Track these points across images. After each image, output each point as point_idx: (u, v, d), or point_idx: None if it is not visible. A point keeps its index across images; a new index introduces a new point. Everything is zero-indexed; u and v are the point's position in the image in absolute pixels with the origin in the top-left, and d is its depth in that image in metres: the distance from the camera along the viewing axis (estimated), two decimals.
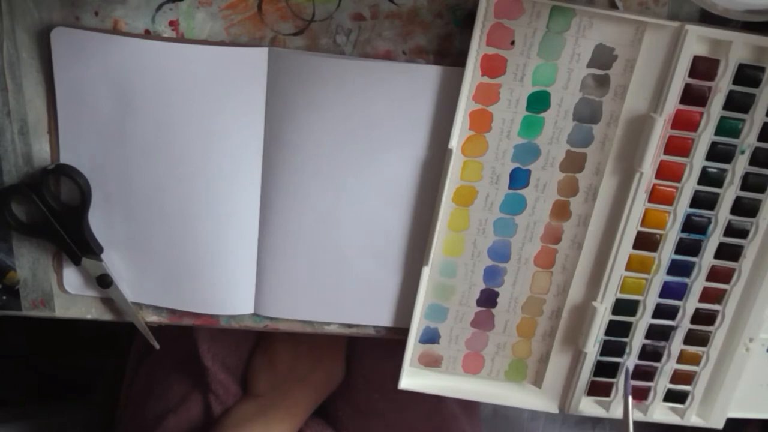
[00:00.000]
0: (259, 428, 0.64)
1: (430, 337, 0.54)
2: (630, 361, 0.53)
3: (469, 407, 0.75)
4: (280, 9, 0.45)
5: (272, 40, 0.45)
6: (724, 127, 0.47)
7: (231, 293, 0.52)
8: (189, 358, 0.66)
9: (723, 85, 0.46)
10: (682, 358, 0.54)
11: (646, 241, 0.50)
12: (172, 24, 0.45)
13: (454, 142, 0.47)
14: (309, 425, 0.69)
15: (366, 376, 0.70)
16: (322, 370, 0.68)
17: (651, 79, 0.46)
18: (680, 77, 0.45)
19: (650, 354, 0.53)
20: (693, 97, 0.46)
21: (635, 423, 0.53)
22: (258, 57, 0.45)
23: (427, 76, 0.46)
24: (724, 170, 0.48)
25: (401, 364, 0.53)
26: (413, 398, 0.55)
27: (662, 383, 0.54)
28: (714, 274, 0.51)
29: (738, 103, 0.46)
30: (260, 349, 0.68)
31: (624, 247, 0.50)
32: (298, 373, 0.67)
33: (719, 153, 0.48)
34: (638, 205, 0.49)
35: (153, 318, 0.53)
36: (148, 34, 0.45)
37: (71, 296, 0.52)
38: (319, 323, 0.53)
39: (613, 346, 0.53)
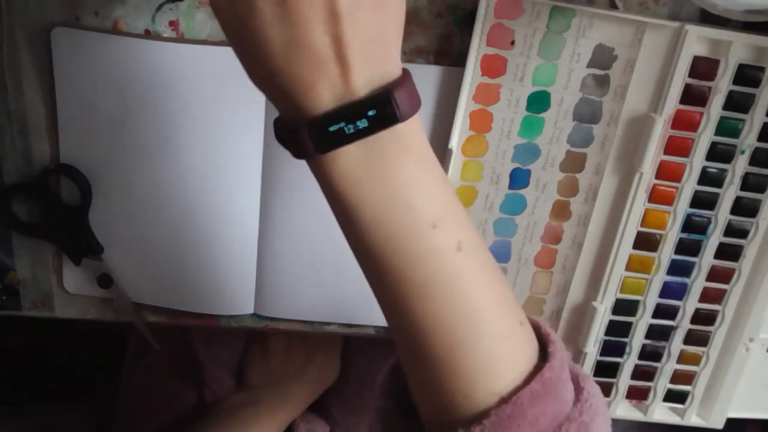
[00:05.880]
0: (249, 415, 0.63)
1: None
2: (629, 361, 0.53)
3: None
4: None
5: None
6: (724, 127, 0.47)
7: (231, 293, 0.52)
8: (184, 353, 0.66)
9: (723, 85, 0.46)
10: (682, 358, 0.53)
11: (646, 241, 0.50)
12: (172, 24, 0.45)
13: (454, 142, 0.47)
14: (301, 417, 0.68)
15: (360, 373, 0.70)
16: (315, 364, 0.68)
17: (651, 79, 0.46)
18: (680, 77, 0.45)
19: (650, 354, 0.53)
20: (693, 97, 0.46)
21: (636, 423, 0.53)
22: None
23: (427, 76, 0.46)
24: (724, 170, 0.48)
25: (396, 363, 0.53)
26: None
27: (662, 383, 0.54)
28: (714, 274, 0.51)
29: (738, 103, 0.46)
30: (255, 342, 0.68)
31: (624, 247, 0.50)
32: (292, 367, 0.67)
33: (719, 153, 0.48)
34: (638, 205, 0.49)
35: (153, 318, 0.53)
36: (148, 34, 0.45)
37: (71, 296, 0.52)
38: (319, 323, 0.53)
39: (613, 346, 0.53)
